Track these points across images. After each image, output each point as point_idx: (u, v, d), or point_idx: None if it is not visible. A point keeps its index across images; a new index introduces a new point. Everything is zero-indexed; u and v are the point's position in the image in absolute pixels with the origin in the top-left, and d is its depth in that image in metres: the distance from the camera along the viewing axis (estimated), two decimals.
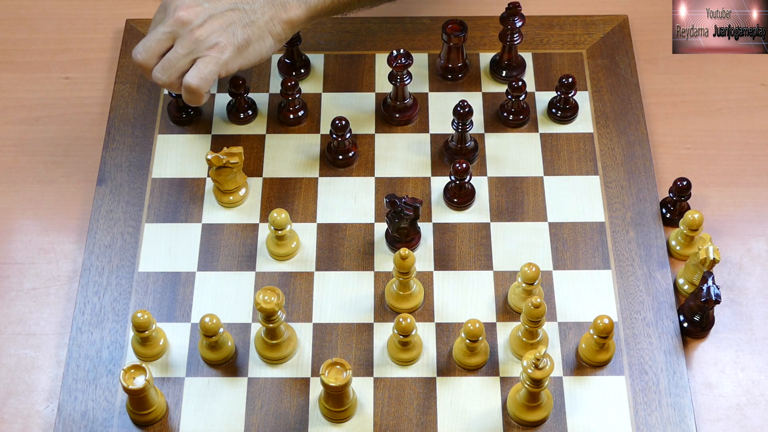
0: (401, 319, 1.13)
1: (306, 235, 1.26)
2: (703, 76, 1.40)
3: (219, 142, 1.33)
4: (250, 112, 1.35)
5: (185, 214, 1.28)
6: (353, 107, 1.36)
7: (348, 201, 1.29)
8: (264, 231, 1.26)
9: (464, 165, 1.24)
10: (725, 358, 1.19)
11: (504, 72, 1.38)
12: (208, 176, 1.30)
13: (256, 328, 1.19)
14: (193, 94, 1.22)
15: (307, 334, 1.19)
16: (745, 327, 1.21)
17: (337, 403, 1.12)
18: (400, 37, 1.42)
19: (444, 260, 1.24)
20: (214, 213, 1.28)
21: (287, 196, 1.29)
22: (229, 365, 1.17)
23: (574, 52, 1.41)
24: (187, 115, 1.34)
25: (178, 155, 1.32)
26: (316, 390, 1.15)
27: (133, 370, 1.10)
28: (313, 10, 1.25)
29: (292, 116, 1.34)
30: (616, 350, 1.18)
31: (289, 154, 1.33)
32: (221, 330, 1.14)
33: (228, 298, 1.22)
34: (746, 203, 1.30)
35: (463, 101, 1.27)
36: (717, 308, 1.20)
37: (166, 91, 1.36)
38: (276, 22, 1.24)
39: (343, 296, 1.22)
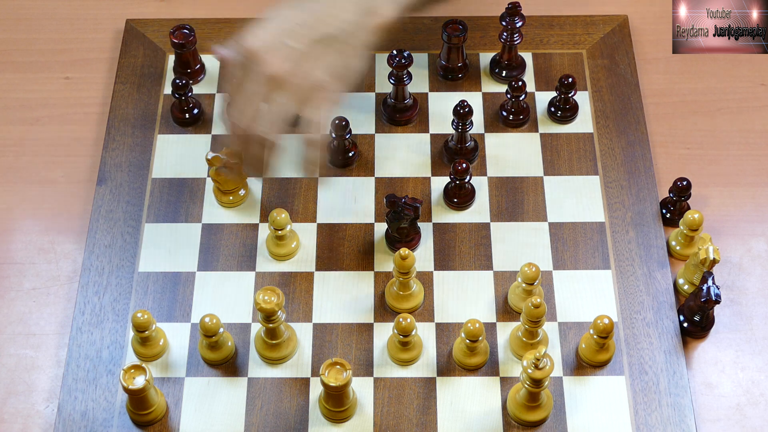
0: (401, 319, 1.13)
1: (306, 235, 1.26)
2: (703, 76, 1.40)
3: (219, 142, 1.33)
4: None
5: (185, 214, 1.28)
6: (353, 107, 1.36)
7: (348, 201, 1.29)
8: (264, 231, 1.26)
9: (464, 165, 1.24)
10: (725, 358, 1.19)
11: (504, 72, 1.38)
12: (208, 176, 1.30)
13: (256, 328, 1.19)
14: (316, 146, 1.13)
15: (307, 334, 1.19)
16: (745, 327, 1.21)
17: (337, 403, 1.12)
18: (400, 37, 1.42)
19: (444, 260, 1.24)
20: (214, 213, 1.28)
21: (287, 196, 1.29)
22: (229, 365, 1.17)
23: (574, 52, 1.41)
24: (190, 116, 1.34)
25: (178, 155, 1.32)
26: (316, 390, 1.15)
27: (133, 370, 1.10)
28: (403, 6, 1.16)
29: None
30: (616, 350, 1.18)
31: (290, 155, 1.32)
32: (221, 330, 1.14)
33: (228, 298, 1.22)
34: (746, 203, 1.30)
35: (463, 101, 1.27)
36: (717, 308, 1.20)
37: (169, 90, 1.36)
38: (368, 32, 1.14)
39: (343, 296, 1.22)
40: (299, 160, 1.15)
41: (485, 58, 1.41)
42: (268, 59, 1.10)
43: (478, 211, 1.28)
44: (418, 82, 1.38)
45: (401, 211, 1.20)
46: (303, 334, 1.19)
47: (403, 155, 1.33)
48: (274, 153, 1.13)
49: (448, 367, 1.17)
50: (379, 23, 1.14)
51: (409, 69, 1.31)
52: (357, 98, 1.37)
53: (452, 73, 1.38)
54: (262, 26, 1.12)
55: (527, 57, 1.40)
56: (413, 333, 1.14)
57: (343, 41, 1.11)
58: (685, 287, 1.22)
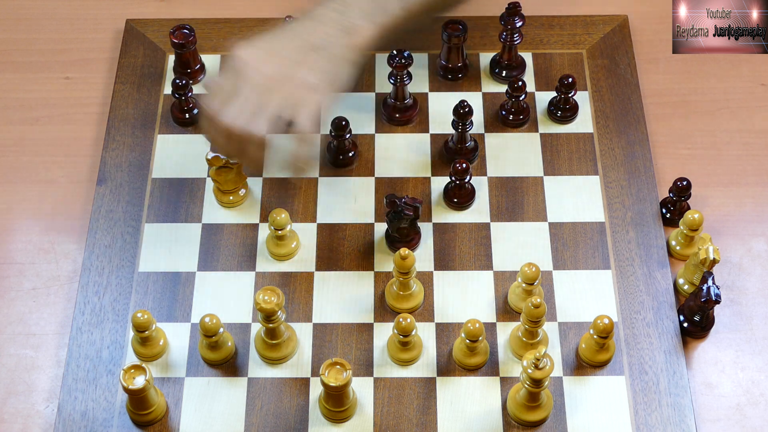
0: (401, 319, 1.13)
1: (306, 235, 1.26)
2: (703, 76, 1.40)
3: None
4: None
5: (185, 214, 1.28)
6: (353, 107, 1.36)
7: (348, 201, 1.29)
8: (264, 231, 1.26)
9: (464, 165, 1.24)
10: (725, 358, 1.19)
11: (504, 72, 1.38)
12: (208, 176, 1.30)
13: (256, 328, 1.19)
14: (308, 142, 1.17)
15: (307, 334, 1.19)
16: (745, 327, 1.21)
17: (337, 403, 1.12)
18: (400, 37, 1.42)
19: (444, 260, 1.24)
20: (214, 213, 1.28)
21: (287, 196, 1.29)
22: (229, 365, 1.17)
23: (574, 52, 1.41)
24: (190, 116, 1.34)
25: (178, 155, 1.32)
26: (316, 390, 1.15)
27: (133, 370, 1.10)
28: (384, 28, 1.22)
29: None
30: (616, 350, 1.18)
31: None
32: (221, 330, 1.14)
33: (228, 298, 1.22)
34: (746, 203, 1.30)
35: (463, 101, 1.27)
36: (717, 308, 1.20)
37: (169, 90, 1.36)
38: (350, 49, 1.20)
39: (343, 296, 1.22)
40: (290, 159, 1.19)
41: (485, 58, 1.41)
42: (263, 66, 1.17)
43: (478, 211, 1.28)
44: (418, 82, 1.38)
45: (401, 211, 1.20)
46: (303, 334, 1.19)
47: (403, 155, 1.33)
48: (267, 151, 1.17)
49: (448, 367, 1.17)
50: (358, 42, 1.21)
51: (409, 69, 1.31)
52: (357, 98, 1.37)
53: (452, 73, 1.38)
54: (255, 39, 1.20)
55: (527, 57, 1.40)
56: (413, 333, 1.14)
57: (330, 51, 1.19)
58: (685, 287, 1.22)
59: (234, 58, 1.18)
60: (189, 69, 1.38)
